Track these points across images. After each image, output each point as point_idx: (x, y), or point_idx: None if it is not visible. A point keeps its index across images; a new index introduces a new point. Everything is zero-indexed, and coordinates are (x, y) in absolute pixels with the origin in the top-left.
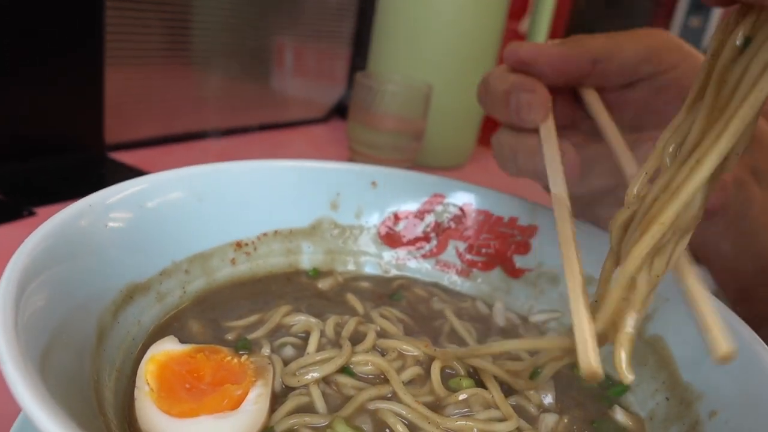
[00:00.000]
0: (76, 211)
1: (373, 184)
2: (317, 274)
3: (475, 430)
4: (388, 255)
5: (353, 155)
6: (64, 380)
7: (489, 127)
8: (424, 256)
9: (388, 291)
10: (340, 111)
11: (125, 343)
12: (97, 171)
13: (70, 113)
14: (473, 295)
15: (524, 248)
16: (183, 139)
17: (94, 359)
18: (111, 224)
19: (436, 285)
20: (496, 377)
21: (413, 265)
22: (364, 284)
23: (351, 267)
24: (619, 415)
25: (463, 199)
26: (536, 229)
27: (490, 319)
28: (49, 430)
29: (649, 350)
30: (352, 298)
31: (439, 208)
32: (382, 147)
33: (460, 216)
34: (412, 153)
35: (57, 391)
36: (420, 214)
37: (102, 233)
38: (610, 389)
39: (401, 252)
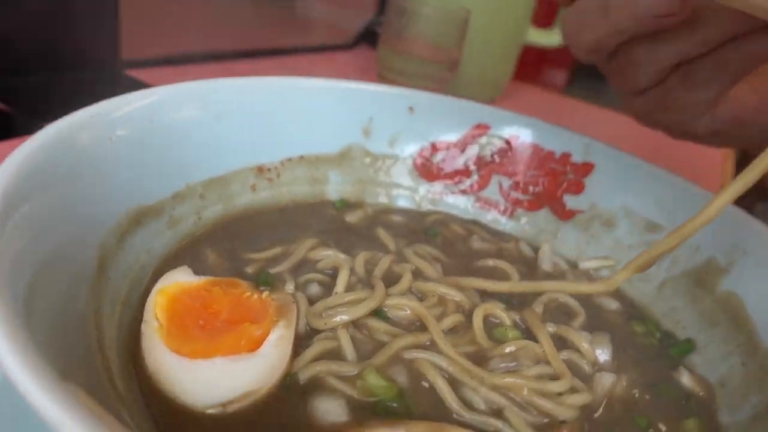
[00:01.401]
0: (75, 123)
1: (410, 109)
2: (345, 205)
3: (526, 390)
4: (424, 188)
5: (382, 83)
6: (54, 320)
7: (527, 61)
8: (463, 192)
9: (422, 227)
10: (367, 38)
11: (132, 272)
12: (112, 87)
13: (86, 27)
14: (517, 236)
15: (577, 188)
16: (202, 60)
17: (95, 290)
18: (116, 140)
19: (475, 223)
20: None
21: (451, 200)
22: (396, 218)
23: (382, 199)
24: (685, 379)
25: (511, 130)
26: (591, 167)
27: (535, 263)
28: (25, 386)
29: (721, 308)
30: (383, 233)
31: (482, 139)
32: (413, 75)
33: (506, 149)
34: (445, 84)
35: (43, 335)
36: (461, 145)
37: (105, 149)
38: (673, 347)
39: (438, 186)
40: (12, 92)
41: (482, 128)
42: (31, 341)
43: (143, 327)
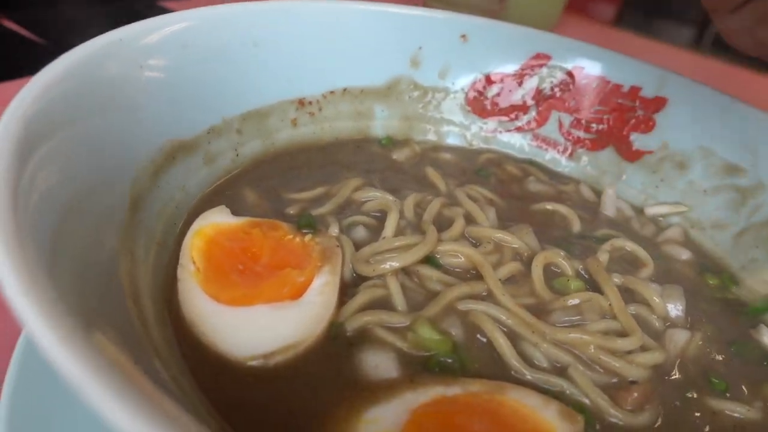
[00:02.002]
0: (102, 49)
1: (463, 37)
2: (391, 142)
3: (592, 346)
4: (476, 125)
5: None
6: (81, 267)
7: None
8: (519, 129)
9: (474, 166)
10: None
11: (167, 212)
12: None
13: None
14: (577, 178)
15: (646, 125)
16: None
17: (127, 232)
18: (147, 69)
19: (531, 163)
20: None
21: (505, 138)
22: (446, 156)
23: (431, 137)
24: (767, 338)
25: (574, 61)
26: (665, 102)
27: (597, 208)
28: (51, 349)
29: None
30: (432, 173)
31: (543, 71)
32: (461, 5)
33: (568, 82)
34: (494, 15)
35: (69, 283)
36: (518, 78)
37: (136, 79)
38: (751, 304)
39: (492, 122)
40: (43, 24)
41: (542, 58)
42: (54, 291)
43: (179, 271)
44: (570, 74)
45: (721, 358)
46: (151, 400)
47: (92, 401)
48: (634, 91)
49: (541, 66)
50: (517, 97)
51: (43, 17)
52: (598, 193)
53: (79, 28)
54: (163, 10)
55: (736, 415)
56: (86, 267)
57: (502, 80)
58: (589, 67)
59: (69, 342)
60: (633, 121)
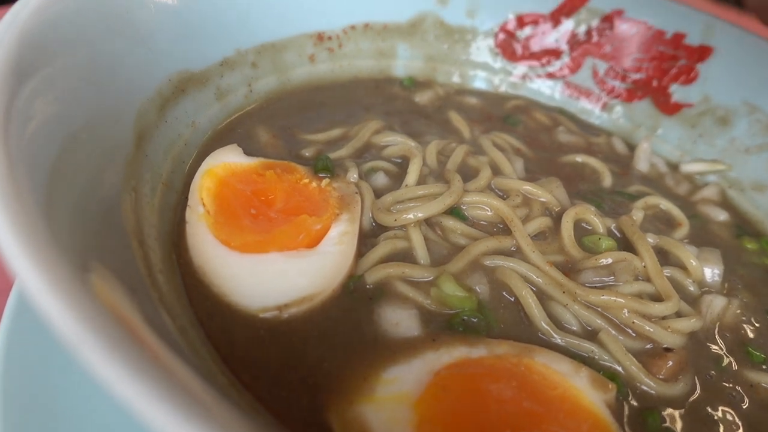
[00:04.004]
0: None
1: None
2: (413, 84)
3: (626, 310)
4: (505, 69)
5: None
6: (80, 204)
7: None
8: (550, 75)
9: (501, 113)
10: None
11: (175, 149)
12: None
13: None
14: (610, 131)
15: (688, 76)
16: None
17: (132, 168)
18: None
19: (562, 112)
20: None
21: (535, 85)
22: (471, 100)
23: (455, 80)
24: None
25: (615, 2)
26: (710, 51)
27: (630, 163)
28: (41, 297)
29: None
30: (455, 117)
31: (580, 13)
32: None
33: (606, 27)
34: None
35: (66, 221)
36: (553, 19)
37: (146, 3)
38: None
39: (522, 67)
40: None
41: None
42: (49, 231)
43: (187, 213)
44: (608, 18)
45: (759, 328)
46: (155, 361)
47: (86, 360)
48: (678, 38)
49: (578, 7)
50: (550, 40)
51: None
52: (632, 147)
53: None
54: None
55: None
56: (86, 204)
57: (535, 22)
58: (630, 11)
59: (63, 289)
60: (674, 70)
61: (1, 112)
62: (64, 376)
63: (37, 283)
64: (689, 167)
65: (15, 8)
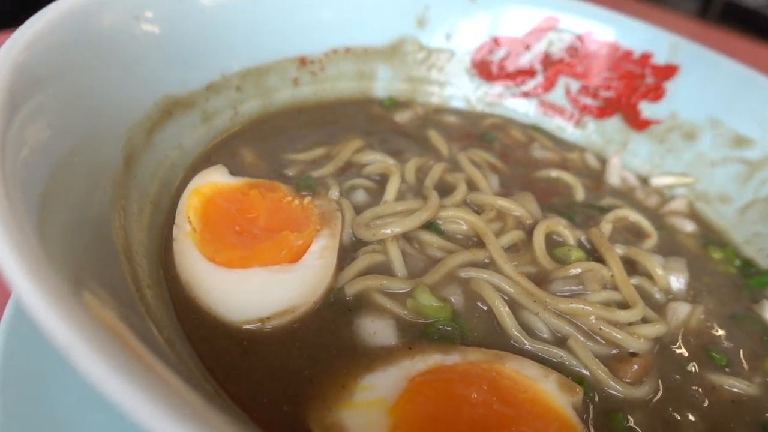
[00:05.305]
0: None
1: None
2: (393, 104)
3: (593, 317)
4: (482, 89)
5: None
6: (72, 222)
7: None
8: (525, 94)
9: (478, 130)
10: None
11: (162, 170)
12: None
13: None
14: (583, 146)
15: (656, 93)
16: None
17: (121, 189)
18: (144, 21)
19: (537, 129)
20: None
21: (511, 103)
22: (450, 119)
23: (434, 99)
24: None
25: (585, 25)
26: (675, 70)
27: (602, 177)
28: (38, 310)
29: None
30: (434, 136)
31: (552, 34)
32: None
33: (577, 47)
34: None
35: (58, 238)
36: (527, 41)
37: (131, 31)
38: (754, 278)
39: (498, 87)
40: None
41: (552, 21)
42: (42, 249)
43: (175, 231)
44: (580, 38)
45: (722, 333)
46: (143, 364)
47: (82, 366)
48: (645, 57)
49: (550, 29)
50: (524, 61)
51: None
52: (604, 162)
53: None
54: None
55: (735, 389)
56: (77, 224)
57: (510, 43)
58: (599, 32)
59: (58, 302)
60: (642, 88)
61: (2, 129)
62: (60, 381)
63: (34, 298)
64: (658, 180)
65: (8, 43)
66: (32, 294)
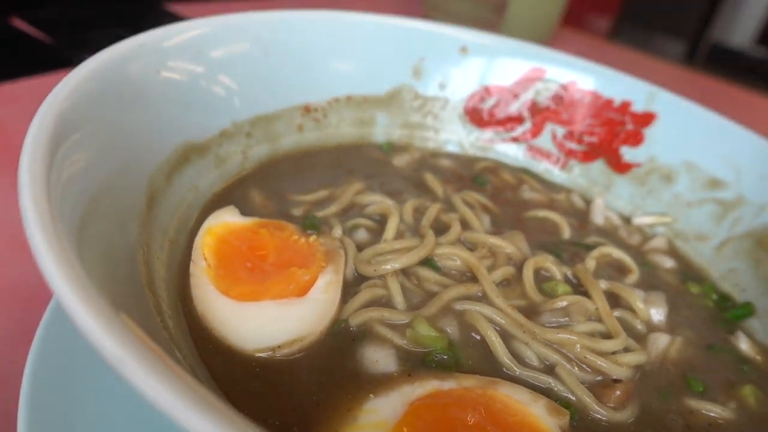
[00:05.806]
0: (125, 52)
1: (463, 50)
2: (391, 148)
3: (579, 346)
4: (474, 135)
5: None
6: (105, 252)
7: (572, 8)
8: (514, 140)
9: (470, 173)
10: None
11: (180, 210)
12: (151, 20)
13: None
14: (569, 188)
15: (635, 139)
16: None
17: (144, 227)
18: (165, 71)
19: (526, 172)
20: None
21: (501, 148)
22: (445, 163)
23: (430, 144)
24: (743, 344)
25: (569, 75)
26: (653, 117)
27: (587, 217)
28: (82, 318)
29: None
30: (430, 178)
31: (538, 84)
32: (459, 16)
33: (562, 96)
34: (492, 26)
35: (94, 266)
36: (515, 90)
37: (155, 81)
38: (730, 311)
39: (489, 132)
40: (51, 23)
41: (538, 72)
42: (84, 271)
43: (191, 267)
44: (564, 88)
45: (699, 361)
46: (185, 381)
47: (134, 378)
48: (625, 105)
49: (536, 80)
50: (513, 108)
51: (52, 16)
52: (589, 203)
53: (84, 27)
54: (169, 14)
55: (711, 414)
56: (111, 250)
57: (500, 92)
58: (581, 82)
59: (104, 318)
60: (623, 134)
61: (45, 165)
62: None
63: (85, 318)
64: (640, 220)
65: (55, 90)
66: (82, 311)
